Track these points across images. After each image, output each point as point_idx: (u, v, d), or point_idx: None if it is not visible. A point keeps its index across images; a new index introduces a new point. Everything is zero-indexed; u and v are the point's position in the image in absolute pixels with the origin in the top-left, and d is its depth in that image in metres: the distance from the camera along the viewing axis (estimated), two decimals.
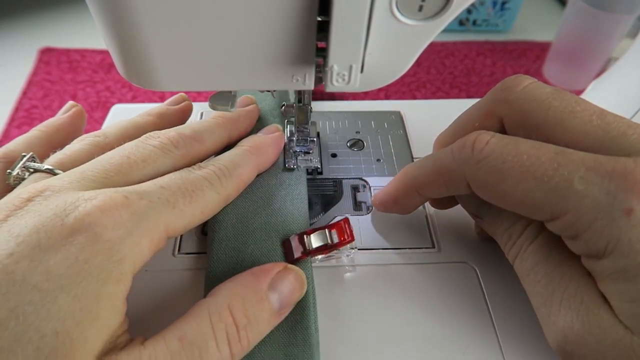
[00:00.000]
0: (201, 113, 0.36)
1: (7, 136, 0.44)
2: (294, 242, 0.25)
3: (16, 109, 0.46)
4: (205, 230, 0.28)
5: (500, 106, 0.22)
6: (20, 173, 0.22)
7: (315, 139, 0.32)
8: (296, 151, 0.31)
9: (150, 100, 0.49)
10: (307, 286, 0.23)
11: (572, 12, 0.47)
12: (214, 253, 0.24)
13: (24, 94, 0.48)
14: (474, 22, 0.59)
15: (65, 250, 0.17)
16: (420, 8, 0.18)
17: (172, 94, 0.49)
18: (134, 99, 0.49)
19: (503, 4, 0.57)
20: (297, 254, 0.24)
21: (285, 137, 0.32)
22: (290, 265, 0.23)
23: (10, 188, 0.22)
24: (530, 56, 0.56)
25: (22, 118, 0.46)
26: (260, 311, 0.20)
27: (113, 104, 0.38)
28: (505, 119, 0.22)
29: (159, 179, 0.21)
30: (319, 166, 0.31)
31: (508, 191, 0.19)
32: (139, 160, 0.22)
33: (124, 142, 0.24)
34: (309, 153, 0.31)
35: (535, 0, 0.66)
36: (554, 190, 0.18)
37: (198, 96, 0.49)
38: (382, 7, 0.18)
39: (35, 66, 0.52)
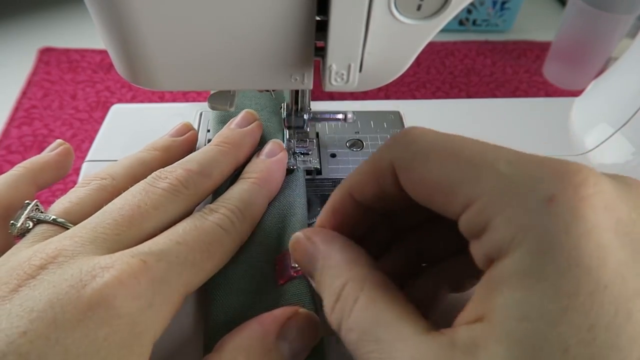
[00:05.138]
0: (200, 113, 0.36)
1: (7, 136, 0.44)
2: (287, 260, 0.23)
3: (16, 109, 0.47)
4: None
5: (390, 162, 0.18)
6: (24, 223, 0.20)
7: (314, 140, 0.32)
8: (295, 152, 0.31)
9: (150, 100, 0.49)
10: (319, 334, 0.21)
11: (572, 12, 0.47)
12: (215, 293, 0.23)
13: (24, 93, 0.48)
14: (474, 22, 0.59)
15: (83, 327, 0.16)
16: (419, 7, 0.18)
17: (172, 94, 0.49)
18: (133, 99, 0.49)
19: (503, 3, 0.57)
20: (290, 271, 0.23)
21: (285, 138, 0.32)
22: (302, 310, 0.21)
23: (11, 238, 0.21)
24: (530, 56, 0.56)
25: (22, 118, 0.46)
26: None
27: (113, 103, 0.38)
28: (398, 173, 0.18)
29: (172, 232, 0.20)
30: (318, 167, 0.31)
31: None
32: (150, 209, 0.21)
33: (132, 183, 0.23)
34: (308, 154, 0.31)
35: (535, 0, 0.66)
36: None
37: (198, 96, 0.49)
38: (380, 6, 0.18)
39: (35, 66, 0.52)
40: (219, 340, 0.20)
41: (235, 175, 0.27)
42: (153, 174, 0.23)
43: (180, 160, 0.24)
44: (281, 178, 0.27)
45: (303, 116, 0.30)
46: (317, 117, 0.31)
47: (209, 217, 0.21)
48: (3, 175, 0.24)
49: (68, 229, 0.20)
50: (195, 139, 0.30)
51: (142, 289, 0.17)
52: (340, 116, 0.31)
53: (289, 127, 0.30)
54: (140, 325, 0.17)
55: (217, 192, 0.25)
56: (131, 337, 0.16)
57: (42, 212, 0.21)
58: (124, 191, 0.22)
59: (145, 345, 0.17)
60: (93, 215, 0.20)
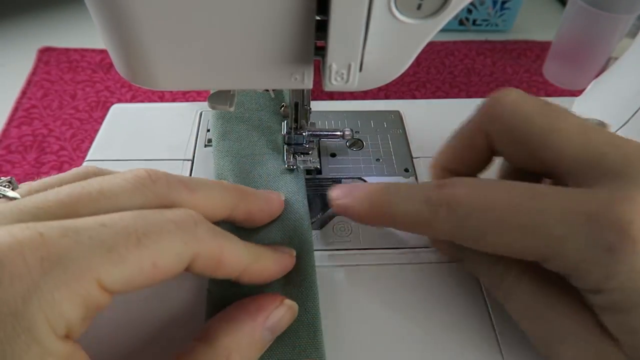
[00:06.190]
0: (200, 113, 0.36)
1: (7, 136, 0.44)
2: None
3: (15, 109, 0.46)
4: None
5: (487, 122, 0.22)
6: None
7: (314, 140, 0.32)
8: (295, 152, 0.31)
9: (150, 100, 0.49)
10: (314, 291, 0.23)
11: (572, 12, 0.47)
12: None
13: (23, 93, 0.48)
14: (474, 22, 0.59)
15: None
16: (419, 6, 0.18)
17: (172, 94, 0.49)
18: (133, 99, 0.49)
19: (503, 3, 0.57)
20: None
21: (285, 137, 0.32)
22: (287, 300, 0.21)
23: None
24: (530, 56, 0.56)
25: (22, 118, 0.46)
26: (255, 351, 0.20)
27: (112, 103, 0.38)
28: (493, 135, 0.22)
29: (107, 214, 0.16)
30: (318, 166, 0.31)
31: (492, 244, 0.19)
32: (94, 191, 0.17)
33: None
34: (308, 154, 0.31)
35: (535, 0, 0.66)
36: (536, 238, 0.18)
37: (197, 96, 0.49)
38: (380, 6, 0.17)
39: (35, 66, 0.52)
40: (208, 327, 0.20)
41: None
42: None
43: None
44: (270, 276, 0.22)
45: (302, 134, 0.31)
46: (316, 134, 0.32)
47: (167, 212, 0.17)
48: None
49: None
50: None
51: (24, 268, 0.14)
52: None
53: (288, 144, 0.31)
54: (27, 318, 0.13)
55: None
56: (20, 332, 0.13)
57: (6, 188, 0.18)
58: None
59: (48, 344, 0.14)
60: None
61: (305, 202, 0.28)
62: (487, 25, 0.59)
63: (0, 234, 0.14)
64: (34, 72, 0.51)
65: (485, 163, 0.25)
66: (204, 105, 0.37)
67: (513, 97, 0.22)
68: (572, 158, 0.19)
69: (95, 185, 0.17)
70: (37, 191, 0.18)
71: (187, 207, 0.19)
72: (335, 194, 0.24)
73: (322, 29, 0.18)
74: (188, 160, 0.33)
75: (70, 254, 0.14)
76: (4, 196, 0.18)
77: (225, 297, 0.22)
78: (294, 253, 0.24)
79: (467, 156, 0.24)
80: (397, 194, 0.22)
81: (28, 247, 0.14)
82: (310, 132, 0.31)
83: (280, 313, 0.21)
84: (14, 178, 0.19)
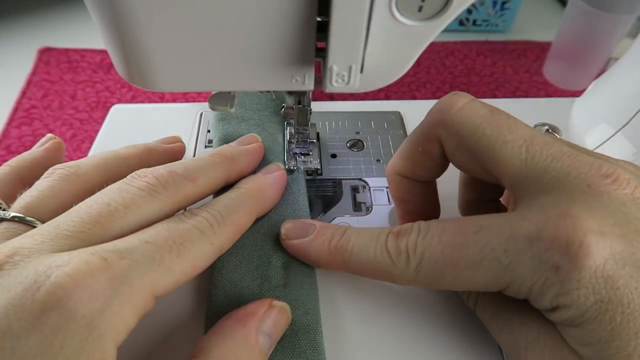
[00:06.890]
0: (201, 113, 0.36)
1: (7, 136, 0.44)
2: None
3: (15, 109, 0.46)
4: None
5: (437, 129, 0.22)
6: None
7: (314, 141, 0.32)
8: (296, 153, 0.31)
9: (150, 100, 0.49)
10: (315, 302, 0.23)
11: (572, 12, 0.47)
12: (214, 277, 0.24)
13: (24, 93, 0.48)
14: (474, 22, 0.59)
15: (38, 333, 0.15)
16: (420, 8, 0.18)
17: (172, 94, 0.49)
18: (133, 99, 0.49)
19: (503, 4, 0.57)
20: None
21: (286, 139, 0.32)
22: (275, 302, 0.22)
23: None
24: (530, 56, 0.56)
25: (22, 118, 0.46)
26: (255, 357, 0.20)
27: (113, 104, 0.38)
28: (443, 142, 0.22)
29: (143, 231, 0.19)
30: (318, 167, 0.31)
31: (450, 283, 0.20)
32: (121, 207, 0.20)
33: (101, 173, 0.23)
34: (309, 155, 0.31)
35: (535, 0, 0.66)
36: (488, 271, 0.18)
37: (198, 96, 0.49)
38: (381, 8, 0.17)
39: (35, 66, 0.52)
40: (200, 342, 0.19)
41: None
42: (133, 173, 0.21)
43: (166, 164, 0.23)
44: (274, 195, 0.26)
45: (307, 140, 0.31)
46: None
47: (187, 220, 0.20)
48: None
49: (31, 225, 0.20)
50: (182, 151, 0.29)
51: (100, 288, 0.16)
52: None
53: (289, 145, 0.31)
54: (100, 329, 0.16)
55: None
56: (89, 342, 0.15)
57: (3, 210, 0.20)
58: (91, 181, 0.22)
59: (107, 351, 0.16)
60: (61, 215, 0.19)
61: (306, 203, 0.28)
62: (487, 25, 0.59)
63: (75, 260, 0.16)
64: (34, 72, 0.51)
65: (441, 169, 0.24)
66: (204, 106, 0.37)
67: (461, 104, 0.21)
68: (515, 172, 0.19)
69: (119, 200, 0.20)
70: (41, 207, 0.20)
71: (194, 195, 0.23)
72: (288, 232, 0.25)
73: (323, 30, 0.18)
74: None
75: (131, 273, 0.17)
76: (23, 222, 0.20)
77: (226, 299, 0.23)
78: (280, 165, 0.28)
79: (421, 163, 0.24)
80: (357, 240, 0.22)
81: (98, 271, 0.16)
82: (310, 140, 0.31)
83: (272, 316, 0.21)
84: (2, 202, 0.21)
